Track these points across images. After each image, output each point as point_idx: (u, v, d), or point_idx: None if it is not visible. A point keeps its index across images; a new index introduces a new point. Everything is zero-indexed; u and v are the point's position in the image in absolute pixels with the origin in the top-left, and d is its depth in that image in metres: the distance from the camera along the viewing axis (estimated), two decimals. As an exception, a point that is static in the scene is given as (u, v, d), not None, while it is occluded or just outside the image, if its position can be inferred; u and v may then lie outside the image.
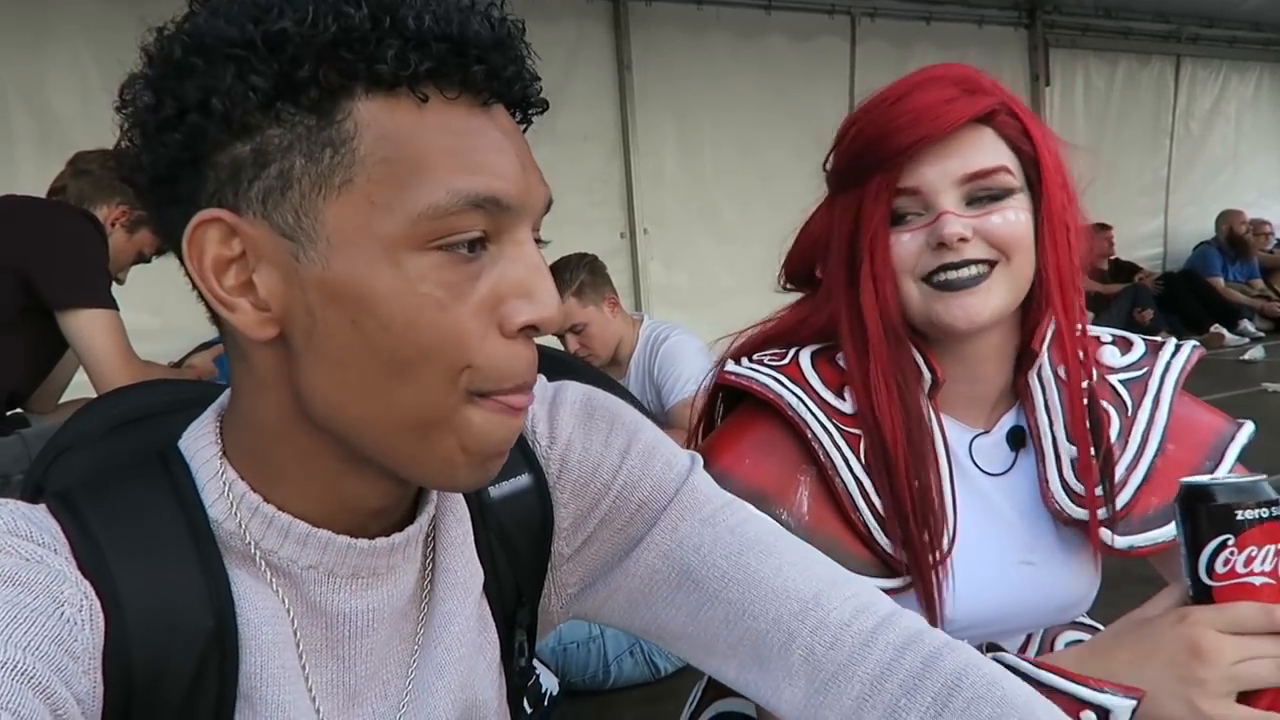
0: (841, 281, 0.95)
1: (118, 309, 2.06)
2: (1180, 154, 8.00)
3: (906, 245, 0.91)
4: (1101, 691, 0.71)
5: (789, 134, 5.47)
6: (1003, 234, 0.89)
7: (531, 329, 0.56)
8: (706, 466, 0.90)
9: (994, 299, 0.90)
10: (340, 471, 0.58)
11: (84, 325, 2.01)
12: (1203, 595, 0.75)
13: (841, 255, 0.95)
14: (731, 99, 5.62)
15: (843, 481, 0.91)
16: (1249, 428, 1.01)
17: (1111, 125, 7.56)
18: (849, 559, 0.90)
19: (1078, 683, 0.72)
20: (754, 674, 0.69)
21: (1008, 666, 0.74)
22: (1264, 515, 0.72)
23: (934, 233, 0.89)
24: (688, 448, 1.01)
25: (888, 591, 0.88)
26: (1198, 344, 1.04)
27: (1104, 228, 7.08)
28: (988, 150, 0.90)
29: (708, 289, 5.47)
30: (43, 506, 0.57)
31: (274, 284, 0.54)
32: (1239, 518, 0.72)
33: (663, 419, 2.68)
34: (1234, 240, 7.62)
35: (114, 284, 2.16)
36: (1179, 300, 7.18)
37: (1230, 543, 0.73)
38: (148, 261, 2.38)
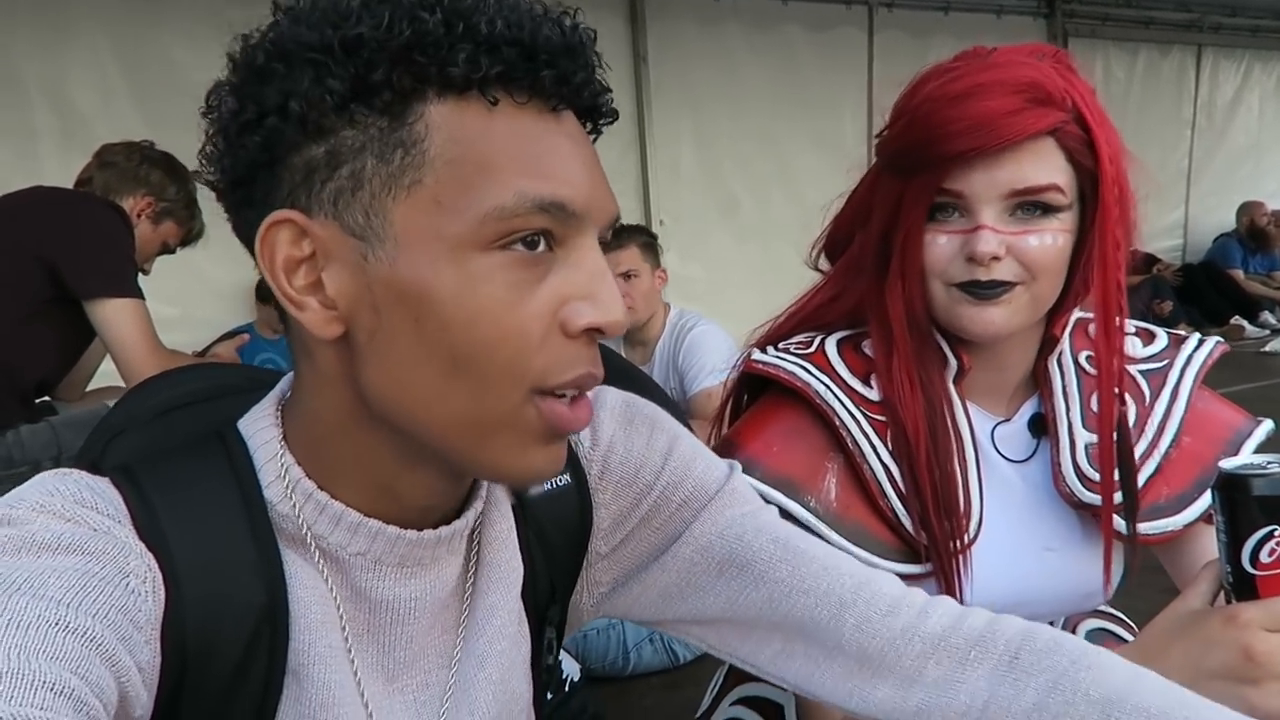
0: (872, 268, 0.95)
1: (144, 299, 2.08)
2: (1201, 145, 7.91)
3: (941, 248, 0.90)
4: None
5: (806, 126, 5.45)
6: (1035, 257, 0.88)
7: (596, 331, 0.56)
8: (733, 453, 0.92)
9: (1016, 316, 0.90)
10: (398, 468, 0.60)
11: (111, 315, 2.03)
12: (1245, 584, 0.74)
13: (875, 243, 0.95)
14: (748, 91, 5.60)
15: (870, 468, 0.92)
16: (1267, 425, 1.01)
17: (1131, 116, 7.48)
18: (876, 544, 0.91)
19: None
20: (798, 647, 0.71)
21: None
22: None
23: (968, 245, 0.88)
24: (713, 435, 1.03)
25: (913, 577, 0.90)
26: (1220, 340, 1.04)
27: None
28: (1042, 166, 0.87)
29: (724, 281, 5.45)
30: (105, 479, 0.58)
31: (341, 283, 0.55)
32: None
33: (684, 407, 2.69)
34: (1255, 232, 7.54)
35: (140, 274, 2.18)
36: (1199, 292, 7.12)
37: (1277, 533, 0.72)
38: (172, 252, 2.41)
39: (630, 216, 5.18)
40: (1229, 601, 0.76)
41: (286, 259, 0.55)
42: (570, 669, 1.93)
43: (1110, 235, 0.90)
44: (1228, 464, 0.75)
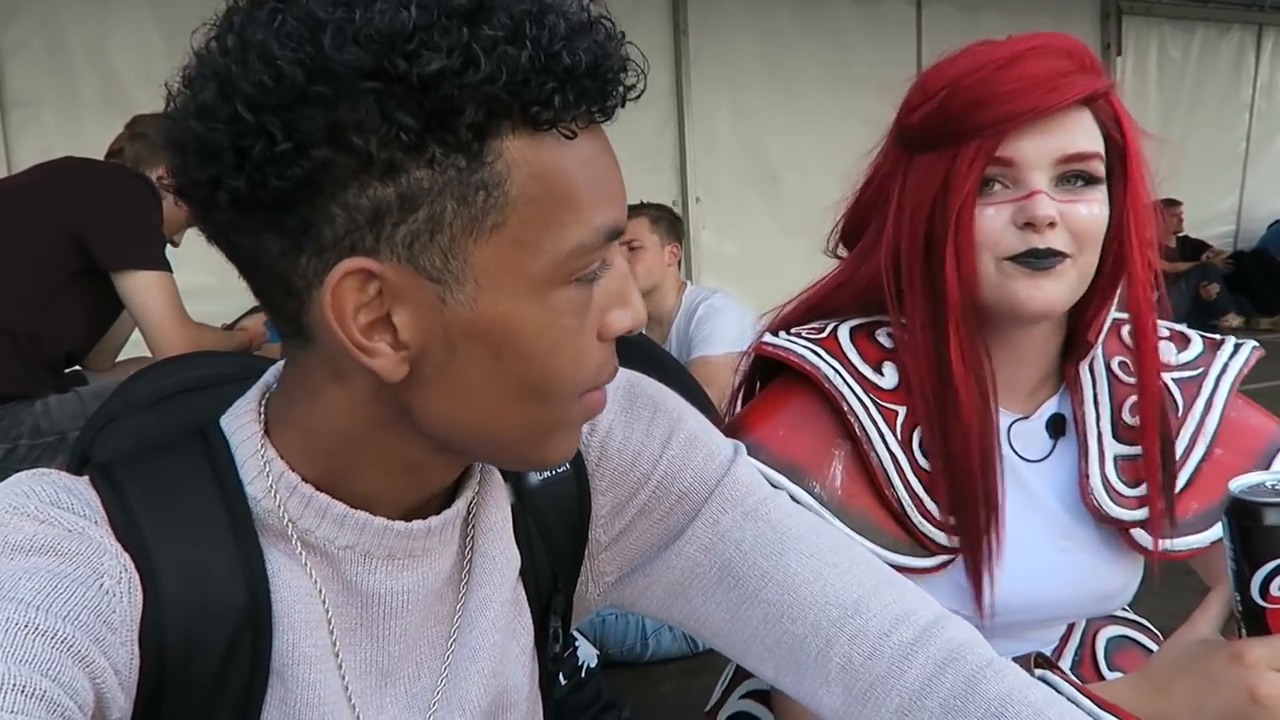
0: (918, 248, 0.91)
1: (171, 271, 2.09)
2: (1260, 128, 7.70)
3: (991, 220, 0.87)
4: None
5: (852, 102, 5.33)
6: (1086, 226, 0.86)
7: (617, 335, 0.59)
8: (740, 436, 0.90)
9: (1064, 287, 0.87)
10: (423, 461, 0.60)
11: (139, 287, 2.04)
12: (1255, 616, 0.71)
13: (920, 221, 0.91)
14: (791, 66, 5.53)
15: (878, 456, 0.90)
16: None
17: (1186, 97, 7.29)
18: (880, 535, 0.90)
19: None
20: (791, 678, 0.69)
21: (1067, 697, 0.71)
22: None
23: (1024, 210, 0.85)
24: (725, 419, 1.02)
25: (919, 571, 0.89)
26: (1257, 345, 1.00)
27: (1173, 204, 6.86)
28: (1087, 133, 0.87)
29: (760, 260, 5.40)
30: (84, 478, 0.58)
31: (413, 324, 0.53)
32: None
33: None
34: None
35: (169, 246, 2.19)
36: (1249, 280, 6.94)
37: None
38: (202, 224, 2.41)
39: (666, 192, 5.16)
40: (1239, 631, 0.73)
41: (355, 305, 0.52)
42: (587, 655, 1.93)
43: (1142, 214, 0.90)
44: (1238, 486, 0.71)
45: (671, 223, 3.06)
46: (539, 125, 0.50)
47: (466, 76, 0.47)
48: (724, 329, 2.78)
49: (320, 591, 0.60)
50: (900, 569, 0.88)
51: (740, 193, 5.52)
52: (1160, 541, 0.92)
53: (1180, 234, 7.07)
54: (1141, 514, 0.92)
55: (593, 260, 0.54)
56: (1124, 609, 1.10)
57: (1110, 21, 6.76)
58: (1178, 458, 0.93)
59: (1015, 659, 0.75)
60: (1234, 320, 6.44)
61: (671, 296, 2.99)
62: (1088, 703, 0.70)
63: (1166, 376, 0.96)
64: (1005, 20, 5.77)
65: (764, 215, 5.52)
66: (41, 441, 1.97)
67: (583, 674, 1.90)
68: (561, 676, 1.77)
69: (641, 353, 0.81)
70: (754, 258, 5.43)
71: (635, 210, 2.96)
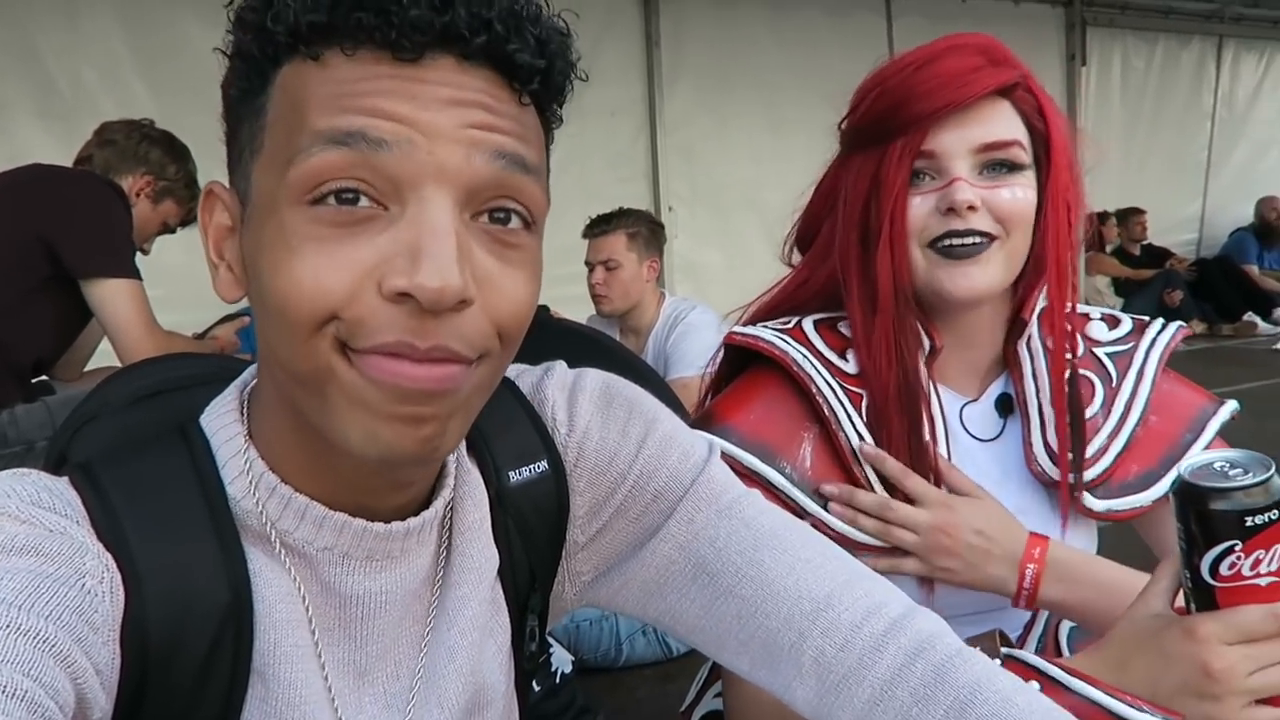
0: (853, 241, 0.98)
1: (141, 279, 2.07)
2: (1221, 137, 7.83)
3: (918, 208, 0.94)
4: (1140, 710, 0.69)
5: (823, 112, 5.30)
6: (1009, 209, 0.92)
7: (408, 298, 0.51)
8: (713, 422, 0.95)
9: (992, 271, 0.93)
10: (317, 445, 0.57)
11: (108, 295, 2.02)
12: (1204, 593, 0.72)
13: (855, 215, 0.97)
14: (763, 75, 5.57)
15: (846, 437, 0.94)
16: (1231, 405, 1.04)
17: (1149, 106, 7.41)
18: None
19: (1114, 696, 0.70)
20: (765, 672, 0.69)
21: (1036, 669, 0.73)
22: (1273, 517, 0.69)
23: (945, 197, 0.91)
24: (696, 408, 1.05)
25: (886, 551, 0.93)
26: (1182, 324, 1.08)
27: (1136, 212, 6.97)
28: (1005, 123, 0.92)
29: (734, 268, 5.44)
30: (64, 479, 0.57)
31: (233, 246, 0.58)
32: (1249, 524, 0.69)
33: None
34: (1267, 227, 7.46)
35: (139, 254, 2.17)
36: (1213, 287, 7.06)
37: (1238, 548, 0.70)
38: (172, 232, 2.40)
39: (639, 201, 5.17)
40: (1188, 605, 0.75)
41: (216, 228, 0.60)
42: (562, 661, 1.93)
43: (1061, 198, 0.95)
44: (1187, 469, 0.72)
45: (650, 235, 2.97)
46: (291, 50, 0.53)
47: (246, 11, 0.54)
48: (700, 348, 2.74)
49: (301, 591, 0.60)
50: (868, 546, 0.93)
51: (713, 201, 5.55)
52: (1104, 502, 0.98)
53: (1144, 241, 7.19)
54: (1088, 475, 0.97)
55: (324, 175, 0.51)
56: None
57: (1075, 32, 6.86)
58: (1115, 421, 0.99)
59: (979, 635, 0.78)
60: (1197, 326, 6.55)
61: (651, 309, 2.97)
62: (1056, 670, 0.72)
63: (1099, 351, 1.03)
64: (973, 29, 5.78)
65: (737, 224, 5.54)
66: (8, 451, 1.94)
67: (557, 680, 1.89)
68: (535, 683, 1.77)
69: (615, 357, 0.82)
70: (728, 266, 5.46)
71: (610, 224, 2.93)
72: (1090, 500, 0.98)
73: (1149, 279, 6.86)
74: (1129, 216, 6.97)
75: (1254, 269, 7.32)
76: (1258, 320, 6.86)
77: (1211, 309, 6.94)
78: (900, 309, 0.95)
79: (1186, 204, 7.85)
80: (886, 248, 0.94)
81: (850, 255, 0.98)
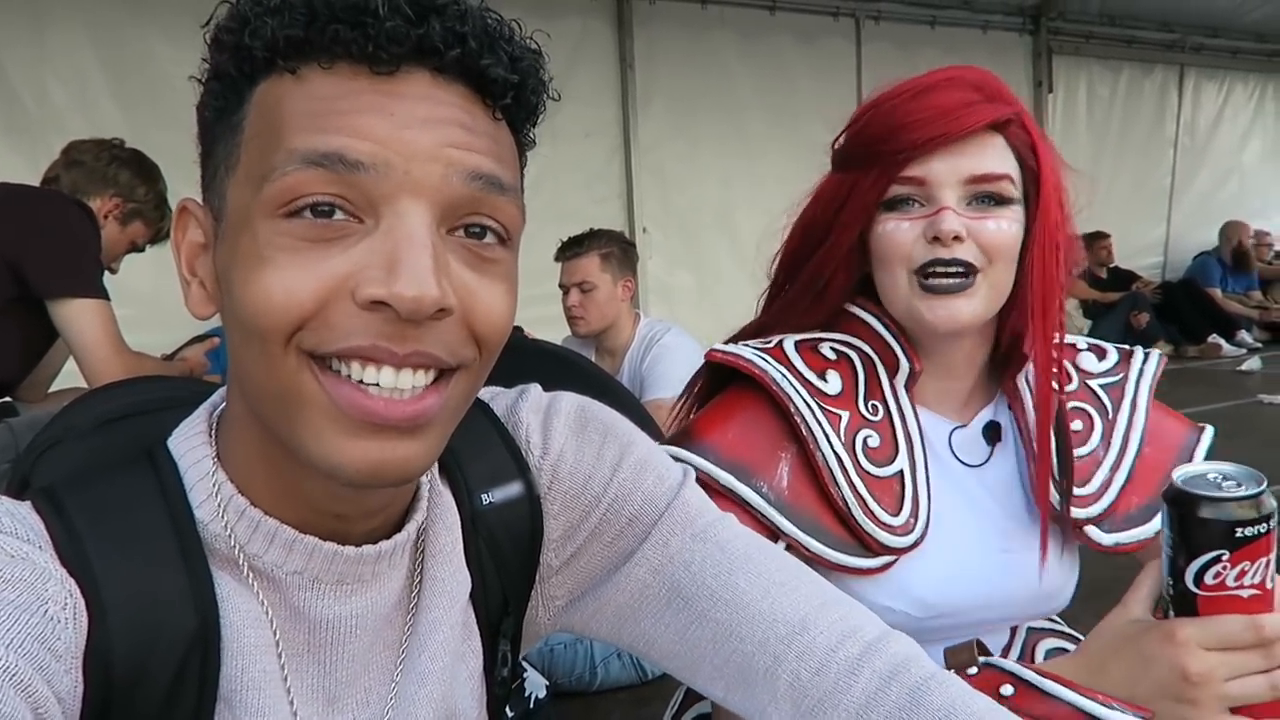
0: (808, 251, 1.00)
1: (109, 299, 2.04)
2: (1184, 163, 7.99)
3: (904, 233, 0.94)
4: (1112, 709, 0.70)
5: (793, 135, 5.45)
6: (994, 241, 0.92)
7: (384, 306, 0.51)
8: (691, 439, 0.94)
9: (975, 305, 0.93)
10: (286, 466, 0.57)
11: (75, 315, 1.99)
12: (1186, 601, 0.73)
13: (818, 227, 1.00)
14: (735, 99, 5.62)
15: (823, 457, 0.94)
16: (1210, 432, 1.06)
17: (1114, 133, 7.55)
18: (826, 535, 0.93)
19: (1087, 697, 0.71)
20: (740, 696, 0.69)
21: (1011, 674, 0.74)
22: (1262, 530, 0.70)
23: (932, 225, 0.92)
24: (671, 426, 1.05)
25: (864, 571, 0.93)
26: (1162, 353, 1.10)
27: (1101, 236, 7.07)
28: (997, 156, 0.93)
29: (707, 289, 5.46)
30: (27, 503, 0.56)
31: (206, 261, 0.58)
32: (1238, 535, 0.70)
33: (638, 409, 2.69)
34: (1239, 253, 7.60)
35: (106, 273, 2.14)
36: (1178, 310, 7.17)
37: (1225, 558, 0.70)
38: (140, 251, 2.37)
39: (614, 222, 5.20)
40: (1167, 614, 0.75)
41: (189, 245, 0.60)
42: (536, 685, 1.91)
43: (1051, 235, 0.95)
44: (1180, 476, 0.73)
45: (624, 256, 2.97)
46: (268, 67, 0.53)
47: (221, 31, 0.54)
48: (677, 370, 2.73)
49: (269, 616, 0.59)
50: (845, 568, 0.92)
51: (687, 223, 5.57)
52: (1111, 535, 0.98)
53: (1111, 265, 7.29)
54: (1095, 510, 0.97)
55: (297, 190, 0.51)
56: (1060, 622, 1.14)
57: (1042, 60, 6.98)
58: (1115, 454, 1.00)
59: (958, 645, 0.78)
60: (1164, 348, 6.64)
61: (626, 330, 2.97)
62: (1030, 674, 0.73)
63: (1093, 383, 1.04)
64: (941, 56, 5.93)
65: (711, 245, 5.57)
66: (-31, 475, 1.90)
67: (531, 705, 1.88)
68: (509, 708, 1.75)
69: (590, 379, 0.81)
70: (701, 287, 5.48)
71: (583, 245, 2.93)
72: (1098, 534, 0.98)
73: (1116, 301, 6.96)
74: (1095, 240, 7.07)
75: (1217, 292, 7.45)
76: (1222, 342, 6.97)
77: (1177, 331, 7.04)
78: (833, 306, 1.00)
79: (1151, 228, 7.98)
80: (833, 262, 0.98)
81: (800, 260, 1.01)
